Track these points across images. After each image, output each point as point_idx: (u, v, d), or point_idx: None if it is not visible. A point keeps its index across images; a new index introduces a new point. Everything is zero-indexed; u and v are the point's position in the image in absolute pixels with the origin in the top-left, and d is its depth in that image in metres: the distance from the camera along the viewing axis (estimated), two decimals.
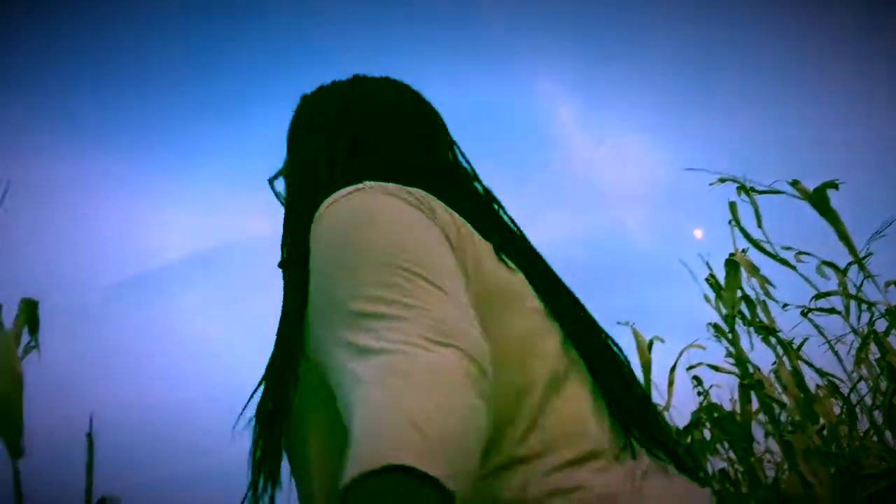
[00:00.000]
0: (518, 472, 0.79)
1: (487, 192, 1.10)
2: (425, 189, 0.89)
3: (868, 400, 3.64)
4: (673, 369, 3.59)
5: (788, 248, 2.97)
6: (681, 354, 3.61)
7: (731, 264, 2.63)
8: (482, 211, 1.03)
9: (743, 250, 2.84)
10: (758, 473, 3.14)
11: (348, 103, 1.08)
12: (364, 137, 1.03)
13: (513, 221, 1.07)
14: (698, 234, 3.54)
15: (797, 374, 2.66)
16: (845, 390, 3.38)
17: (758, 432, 4.44)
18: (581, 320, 0.99)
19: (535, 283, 0.94)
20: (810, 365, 3.13)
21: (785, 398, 3.28)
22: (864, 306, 3.03)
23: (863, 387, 3.64)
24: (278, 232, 1.04)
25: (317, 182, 0.98)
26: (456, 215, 0.89)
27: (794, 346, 3.07)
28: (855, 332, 2.83)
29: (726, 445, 3.40)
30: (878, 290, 2.89)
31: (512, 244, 0.98)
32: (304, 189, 1.02)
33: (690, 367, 3.64)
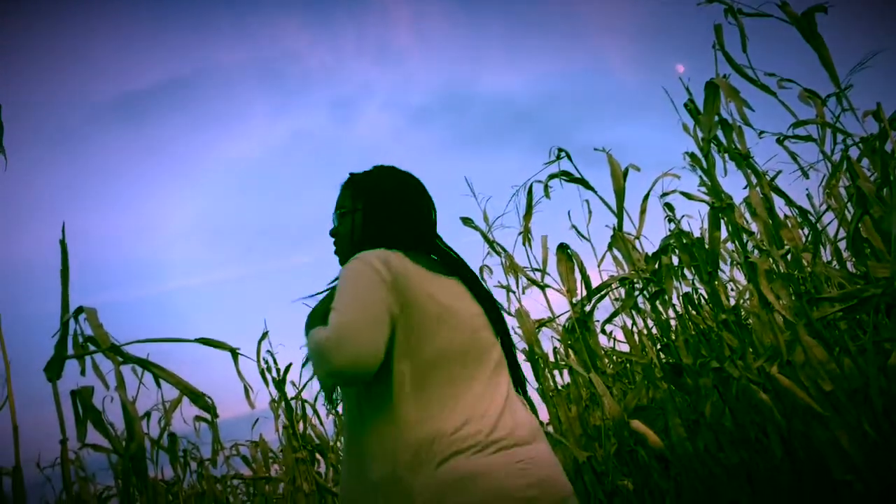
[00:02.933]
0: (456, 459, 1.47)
1: (448, 249, 1.82)
2: (403, 249, 1.67)
3: (833, 229, 3.74)
4: (646, 197, 3.63)
5: (771, 75, 2.93)
6: (655, 182, 3.64)
7: (711, 87, 2.59)
8: (442, 261, 1.76)
9: (724, 76, 2.80)
10: (721, 296, 3.25)
11: (362, 191, 1.82)
12: (370, 216, 1.78)
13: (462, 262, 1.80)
14: (680, 68, 3.46)
15: (767, 200, 2.69)
16: (814, 220, 3.46)
17: (724, 267, 4.58)
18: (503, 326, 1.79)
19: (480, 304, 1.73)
20: (781, 193, 3.18)
21: (753, 227, 3.35)
22: (839, 136, 3.05)
23: (830, 220, 3.73)
24: None
25: (344, 243, 1.82)
26: (410, 265, 1.62)
27: (768, 177, 3.11)
28: (828, 158, 2.85)
29: (693, 271, 3.51)
30: (857, 120, 2.89)
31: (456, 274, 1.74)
32: (341, 245, 1.83)
33: (664, 195, 3.69)
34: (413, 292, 1.57)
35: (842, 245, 3.85)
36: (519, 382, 1.79)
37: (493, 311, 1.75)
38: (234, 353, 2.42)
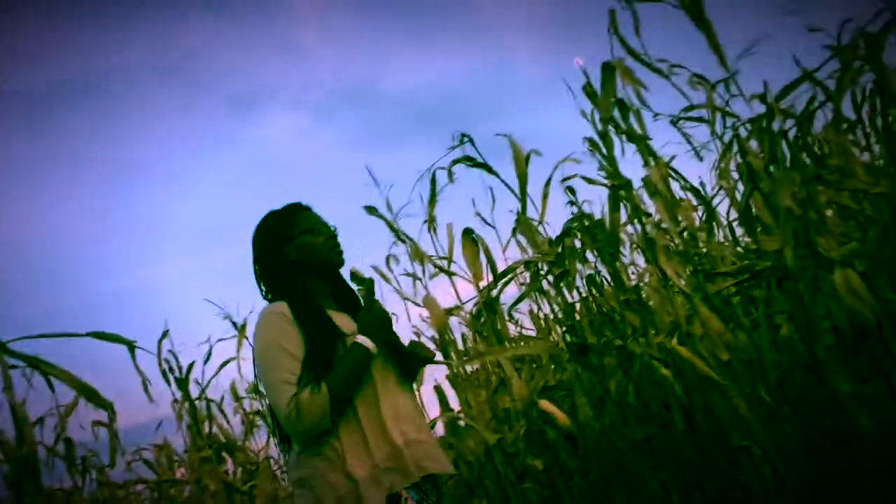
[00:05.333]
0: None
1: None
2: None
3: (724, 208, 3.89)
4: (548, 182, 3.68)
5: (663, 61, 3.02)
6: (556, 168, 3.69)
7: (608, 69, 2.64)
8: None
9: (619, 59, 2.86)
10: (622, 277, 3.32)
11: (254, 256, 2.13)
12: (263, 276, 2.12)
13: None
14: (578, 61, 3.52)
15: (664, 180, 2.77)
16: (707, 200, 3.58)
17: (625, 251, 4.70)
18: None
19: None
20: (677, 173, 3.28)
21: (652, 209, 3.44)
22: (729, 120, 3.16)
23: (722, 199, 3.87)
24: None
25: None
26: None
27: (665, 159, 3.20)
28: (719, 137, 2.95)
29: (595, 254, 3.57)
30: (745, 103, 3.01)
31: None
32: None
33: (565, 180, 3.74)
34: None
35: (735, 225, 4.02)
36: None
37: None
38: (131, 347, 2.31)
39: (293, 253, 2.04)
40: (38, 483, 2.40)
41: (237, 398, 5.33)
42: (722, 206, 3.91)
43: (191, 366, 4.55)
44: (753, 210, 2.81)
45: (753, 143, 2.81)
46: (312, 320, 1.94)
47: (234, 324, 4.60)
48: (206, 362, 4.59)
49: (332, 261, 2.07)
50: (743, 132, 2.80)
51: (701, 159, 2.95)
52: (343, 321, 2.00)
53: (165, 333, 4.47)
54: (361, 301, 2.14)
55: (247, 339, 4.60)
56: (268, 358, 1.89)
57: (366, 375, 1.92)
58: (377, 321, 1.99)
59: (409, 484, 1.86)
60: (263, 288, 2.09)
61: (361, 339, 1.91)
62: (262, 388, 1.93)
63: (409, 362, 2.10)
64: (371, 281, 2.10)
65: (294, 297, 1.97)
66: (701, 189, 3.74)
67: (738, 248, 3.75)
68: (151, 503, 5.47)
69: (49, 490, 4.80)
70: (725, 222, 3.95)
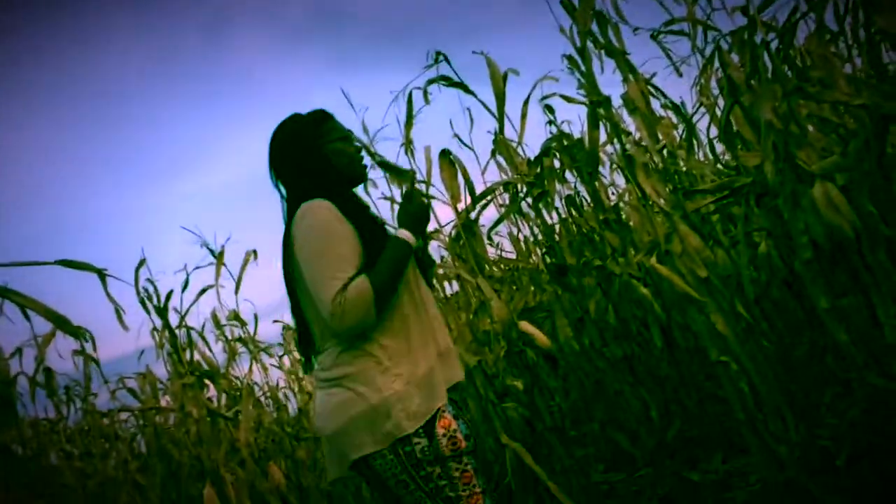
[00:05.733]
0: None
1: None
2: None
3: (704, 125, 3.84)
4: (526, 102, 3.61)
5: None
6: (535, 86, 3.62)
7: None
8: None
9: None
10: (602, 196, 3.30)
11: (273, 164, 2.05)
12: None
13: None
14: None
15: (644, 97, 2.71)
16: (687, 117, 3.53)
17: (604, 171, 4.66)
18: None
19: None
20: (657, 89, 3.22)
21: (631, 127, 3.38)
22: (711, 34, 3.09)
23: (702, 115, 3.82)
24: None
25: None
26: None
27: (645, 76, 3.13)
28: (700, 51, 2.89)
29: (574, 173, 3.54)
30: (726, 16, 2.93)
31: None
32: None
33: (543, 98, 3.68)
34: None
35: (715, 142, 3.98)
36: None
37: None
38: (102, 275, 2.28)
39: (320, 163, 1.97)
40: (15, 413, 2.39)
41: (218, 326, 5.31)
42: (702, 123, 3.87)
43: (169, 294, 4.49)
44: (734, 126, 2.77)
45: (735, 57, 2.75)
46: (363, 214, 1.92)
47: (212, 251, 4.55)
48: (183, 290, 4.54)
49: (358, 172, 2.04)
50: (724, 45, 2.73)
51: (681, 75, 2.90)
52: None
53: (142, 262, 4.40)
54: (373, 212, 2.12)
55: (225, 265, 4.57)
56: (315, 251, 1.81)
57: (406, 271, 1.89)
58: (417, 214, 1.95)
59: (437, 406, 1.84)
60: (292, 192, 1.98)
61: (403, 233, 1.87)
62: (308, 282, 1.84)
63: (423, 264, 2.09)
64: (412, 172, 2.09)
65: (337, 195, 1.91)
66: (681, 106, 3.69)
67: (719, 166, 3.73)
68: (137, 430, 5.51)
69: (34, 420, 4.82)
70: (706, 140, 3.91)
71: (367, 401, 1.80)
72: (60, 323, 2.14)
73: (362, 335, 1.83)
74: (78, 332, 2.24)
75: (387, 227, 1.97)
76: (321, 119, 2.02)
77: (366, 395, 1.80)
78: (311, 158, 1.97)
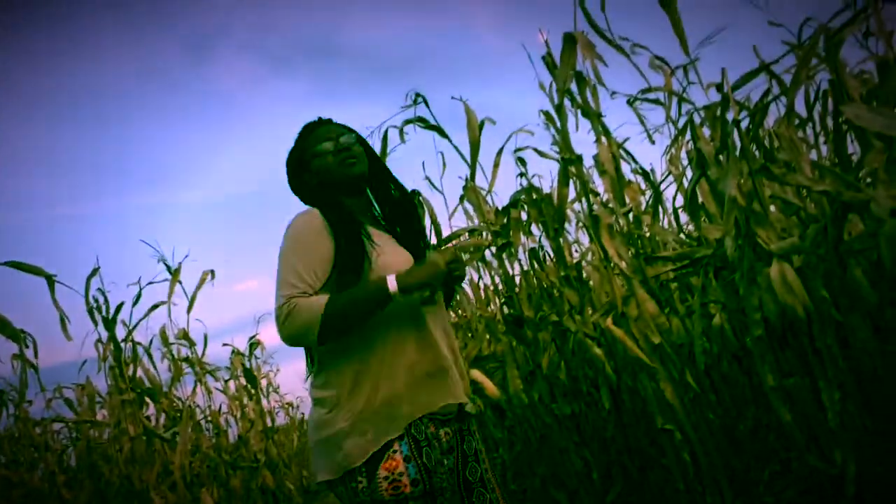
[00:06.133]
0: None
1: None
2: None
3: (670, 194, 3.90)
4: (500, 152, 3.64)
5: (625, 39, 2.98)
6: (509, 138, 3.65)
7: (569, 39, 2.60)
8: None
9: (581, 32, 2.82)
10: (564, 254, 3.32)
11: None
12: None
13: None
14: (542, 34, 3.48)
15: (615, 158, 2.75)
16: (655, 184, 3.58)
17: (570, 228, 4.70)
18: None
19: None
20: (628, 153, 3.27)
21: (600, 188, 3.42)
22: (685, 106, 3.16)
23: (670, 184, 3.88)
24: None
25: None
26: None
27: (618, 140, 3.18)
28: (673, 123, 2.95)
29: (540, 227, 3.56)
30: (701, 90, 3.00)
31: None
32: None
33: (518, 150, 3.71)
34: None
35: (680, 212, 4.05)
36: None
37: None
38: (50, 280, 2.23)
39: (313, 179, 2.00)
40: None
41: (166, 343, 5.22)
42: (669, 191, 3.93)
43: (119, 306, 4.42)
44: (699, 198, 2.82)
45: (706, 131, 2.81)
46: (344, 229, 1.85)
47: (168, 267, 4.49)
48: (135, 304, 4.46)
49: (346, 174, 1.96)
50: (696, 119, 2.79)
51: (653, 142, 2.95)
52: (383, 239, 1.93)
53: (95, 271, 4.32)
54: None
55: (180, 282, 4.50)
56: (284, 256, 1.82)
57: (376, 316, 1.80)
58: (421, 273, 1.84)
59: (385, 440, 1.77)
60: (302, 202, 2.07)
61: (391, 280, 1.78)
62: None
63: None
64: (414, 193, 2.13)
65: (323, 204, 1.92)
66: (651, 173, 3.75)
67: (681, 235, 3.78)
68: (69, 443, 5.35)
69: None
70: (671, 208, 3.97)
71: (329, 428, 1.79)
72: (1, 326, 2.08)
73: (332, 358, 1.83)
74: (18, 336, 2.18)
75: (367, 243, 1.86)
76: (302, 138, 2.05)
77: (329, 422, 1.80)
78: (299, 188, 2.06)
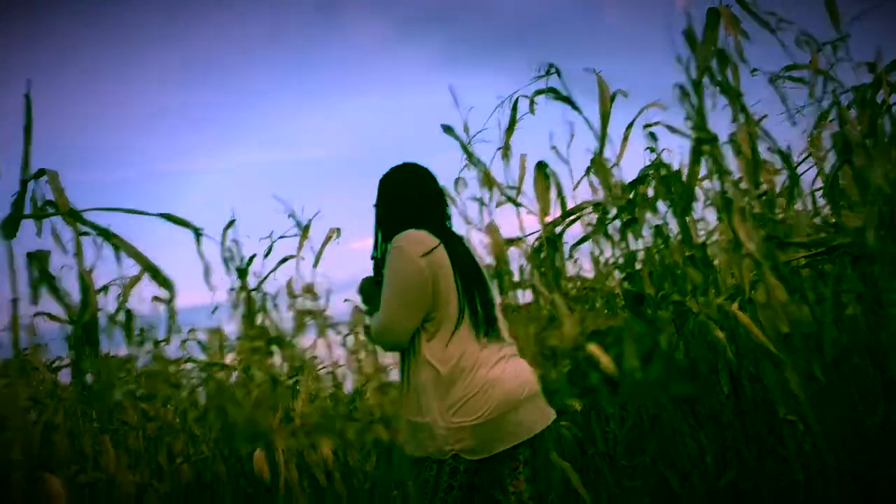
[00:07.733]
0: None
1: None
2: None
3: (809, 177, 3.74)
4: (630, 125, 3.59)
5: (772, 14, 2.86)
6: (641, 111, 3.59)
7: (713, 14, 2.52)
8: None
9: (726, 6, 2.73)
10: (691, 232, 3.25)
11: (384, 185, 2.37)
12: (388, 208, 2.34)
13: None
14: (680, 2, 3.38)
15: (752, 139, 2.66)
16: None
17: (697, 206, 4.58)
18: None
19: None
20: (767, 135, 3.15)
21: (734, 166, 3.32)
22: (831, 85, 3.01)
23: (809, 167, 3.72)
24: None
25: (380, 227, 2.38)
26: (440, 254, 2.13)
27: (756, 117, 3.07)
28: (817, 102, 2.82)
29: (667, 204, 3.49)
30: (851, 70, 2.86)
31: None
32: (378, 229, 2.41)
33: (648, 126, 3.64)
34: (443, 272, 2.11)
35: (818, 196, 3.87)
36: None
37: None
38: (198, 233, 2.37)
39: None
40: (97, 348, 2.51)
41: (292, 295, 5.44)
42: (807, 174, 3.76)
43: (252, 257, 4.64)
44: (841, 183, 2.70)
45: (853, 113, 2.68)
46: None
47: (298, 223, 4.67)
48: (266, 256, 4.68)
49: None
50: (844, 100, 2.66)
51: (794, 123, 2.83)
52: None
53: (231, 223, 4.55)
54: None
55: (308, 239, 4.68)
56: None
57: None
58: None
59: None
60: (381, 233, 2.35)
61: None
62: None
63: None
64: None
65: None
66: (789, 153, 3.59)
67: (816, 220, 3.62)
68: (200, 382, 5.69)
69: (106, 356, 5.02)
70: (808, 192, 3.80)
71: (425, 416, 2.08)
72: (154, 273, 2.25)
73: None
74: (168, 284, 2.34)
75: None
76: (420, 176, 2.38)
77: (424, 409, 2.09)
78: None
